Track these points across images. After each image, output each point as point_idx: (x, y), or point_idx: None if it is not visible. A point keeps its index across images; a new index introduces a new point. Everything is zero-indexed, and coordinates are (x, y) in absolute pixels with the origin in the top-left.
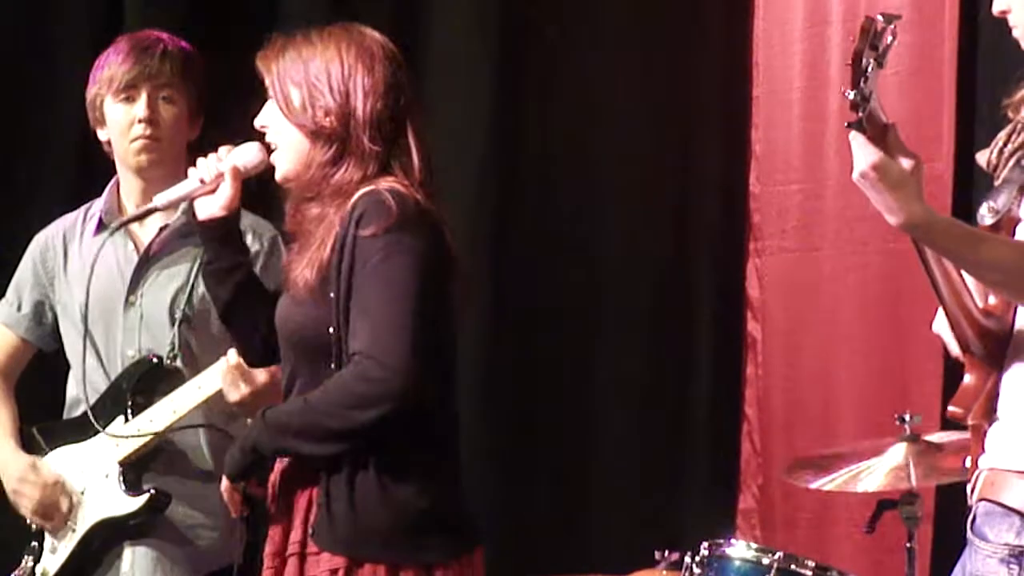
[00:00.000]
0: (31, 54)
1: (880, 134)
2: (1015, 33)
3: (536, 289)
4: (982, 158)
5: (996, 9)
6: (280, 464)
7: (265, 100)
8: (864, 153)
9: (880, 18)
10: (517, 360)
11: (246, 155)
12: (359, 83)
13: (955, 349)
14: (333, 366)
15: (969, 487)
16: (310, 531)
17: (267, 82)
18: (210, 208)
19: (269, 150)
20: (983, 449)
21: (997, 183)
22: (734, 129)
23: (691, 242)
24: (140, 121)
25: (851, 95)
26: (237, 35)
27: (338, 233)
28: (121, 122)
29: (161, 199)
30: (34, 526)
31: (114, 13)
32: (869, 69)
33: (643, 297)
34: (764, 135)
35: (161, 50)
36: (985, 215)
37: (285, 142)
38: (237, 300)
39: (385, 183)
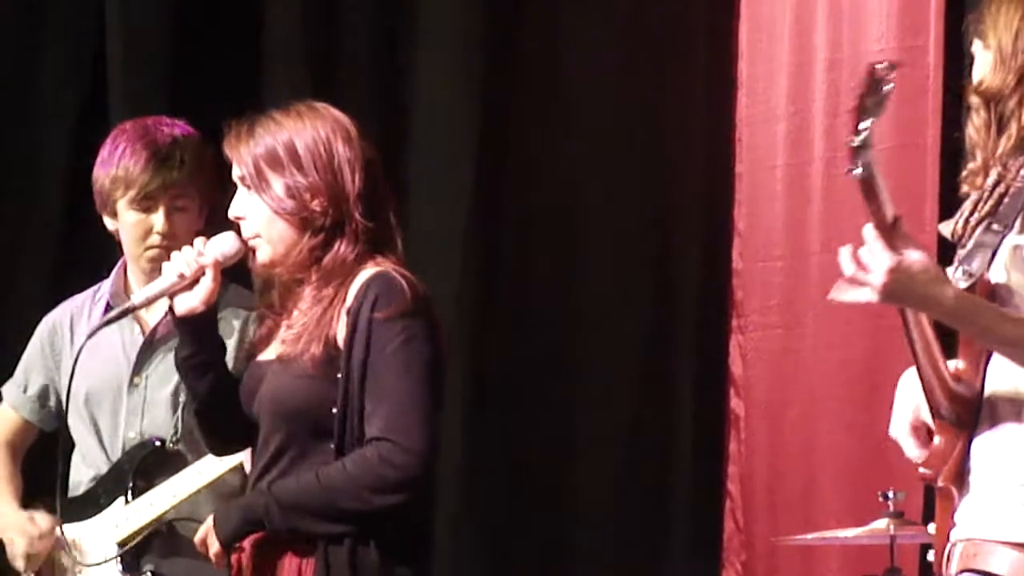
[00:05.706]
0: (13, 123)
1: (889, 228)
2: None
3: (517, 364)
4: (946, 228)
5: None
6: (256, 535)
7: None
8: (880, 259)
9: (883, 65)
10: (499, 432)
11: (224, 246)
12: (343, 156)
13: (912, 452)
14: (333, 446)
15: (937, 556)
16: None
17: (239, 171)
18: (190, 302)
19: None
20: (951, 517)
21: (970, 247)
22: (717, 205)
23: (674, 318)
24: (157, 233)
25: (856, 142)
26: (222, 103)
27: (349, 312)
28: (137, 229)
29: (139, 297)
30: None
31: (98, 82)
32: (872, 118)
33: (625, 372)
34: (747, 212)
35: (179, 158)
36: (960, 279)
37: (269, 232)
38: (216, 392)
39: (387, 264)
